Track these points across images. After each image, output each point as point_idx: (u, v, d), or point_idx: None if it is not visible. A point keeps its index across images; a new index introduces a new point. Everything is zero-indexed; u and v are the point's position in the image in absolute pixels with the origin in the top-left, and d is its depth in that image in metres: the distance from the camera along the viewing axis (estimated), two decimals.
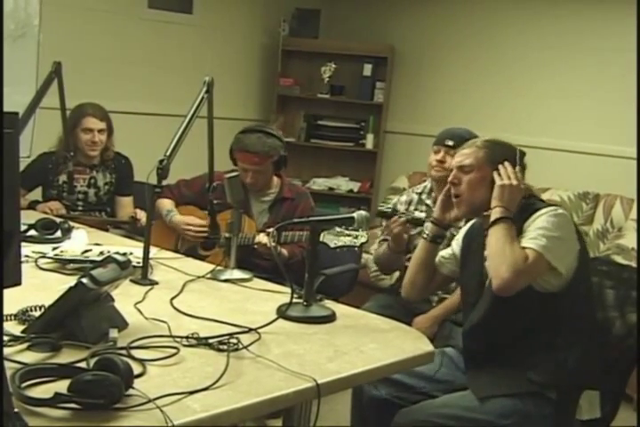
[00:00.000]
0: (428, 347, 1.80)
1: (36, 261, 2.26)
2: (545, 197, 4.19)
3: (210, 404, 1.33)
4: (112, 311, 1.70)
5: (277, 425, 2.48)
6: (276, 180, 3.11)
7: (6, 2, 3.67)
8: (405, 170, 5.14)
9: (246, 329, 1.74)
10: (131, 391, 1.31)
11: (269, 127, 3.11)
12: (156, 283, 2.14)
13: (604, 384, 1.99)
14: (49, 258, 2.27)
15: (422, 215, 2.67)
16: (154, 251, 2.36)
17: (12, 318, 1.68)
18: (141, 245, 2.24)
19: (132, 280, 2.07)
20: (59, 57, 2.96)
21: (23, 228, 2.55)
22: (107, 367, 1.30)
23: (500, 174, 2.02)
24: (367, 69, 5.40)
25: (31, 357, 1.47)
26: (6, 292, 1.24)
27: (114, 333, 1.60)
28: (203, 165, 2.61)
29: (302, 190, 3.23)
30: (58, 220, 2.74)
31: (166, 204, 3.16)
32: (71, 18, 4.28)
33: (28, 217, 2.71)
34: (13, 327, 1.61)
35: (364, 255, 3.42)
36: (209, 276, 2.29)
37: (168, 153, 2.20)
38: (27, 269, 1.69)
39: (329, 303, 2.07)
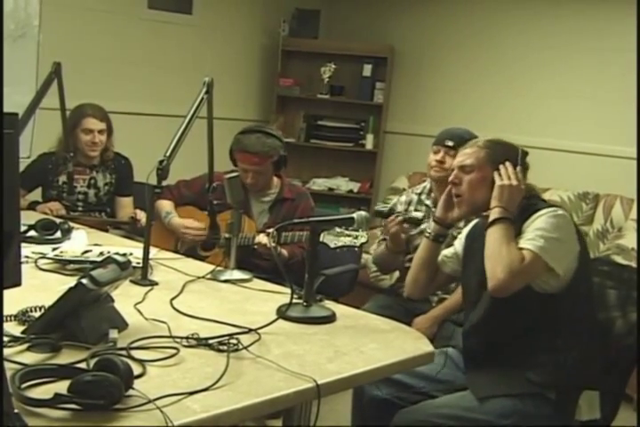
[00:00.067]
0: (428, 347, 1.80)
1: (35, 262, 2.25)
2: (545, 197, 4.16)
3: (210, 404, 1.33)
4: (112, 312, 1.70)
5: (277, 425, 2.48)
6: (275, 180, 3.11)
7: (6, 2, 3.67)
8: (405, 170, 5.14)
9: (246, 330, 1.73)
10: (131, 392, 1.31)
11: (269, 127, 3.10)
12: (156, 283, 2.14)
13: (604, 384, 1.99)
14: (49, 259, 2.27)
15: (419, 215, 2.67)
16: (154, 251, 2.36)
17: (12, 318, 1.68)
18: (141, 245, 2.24)
19: (131, 281, 2.07)
20: (59, 57, 2.96)
21: (23, 228, 2.55)
22: (107, 368, 1.30)
23: (500, 174, 2.02)
24: (367, 70, 5.39)
25: (31, 357, 1.47)
26: (6, 292, 1.24)
27: (114, 333, 1.60)
28: (202, 166, 2.61)
29: (302, 191, 3.22)
30: (58, 220, 2.74)
31: (165, 205, 3.14)
32: (71, 18, 4.28)
33: (27, 218, 2.70)
34: (13, 328, 1.61)
35: (364, 256, 3.42)
36: (209, 276, 2.29)
37: (168, 153, 2.20)
38: (26, 270, 1.69)
39: (329, 304, 2.07)
